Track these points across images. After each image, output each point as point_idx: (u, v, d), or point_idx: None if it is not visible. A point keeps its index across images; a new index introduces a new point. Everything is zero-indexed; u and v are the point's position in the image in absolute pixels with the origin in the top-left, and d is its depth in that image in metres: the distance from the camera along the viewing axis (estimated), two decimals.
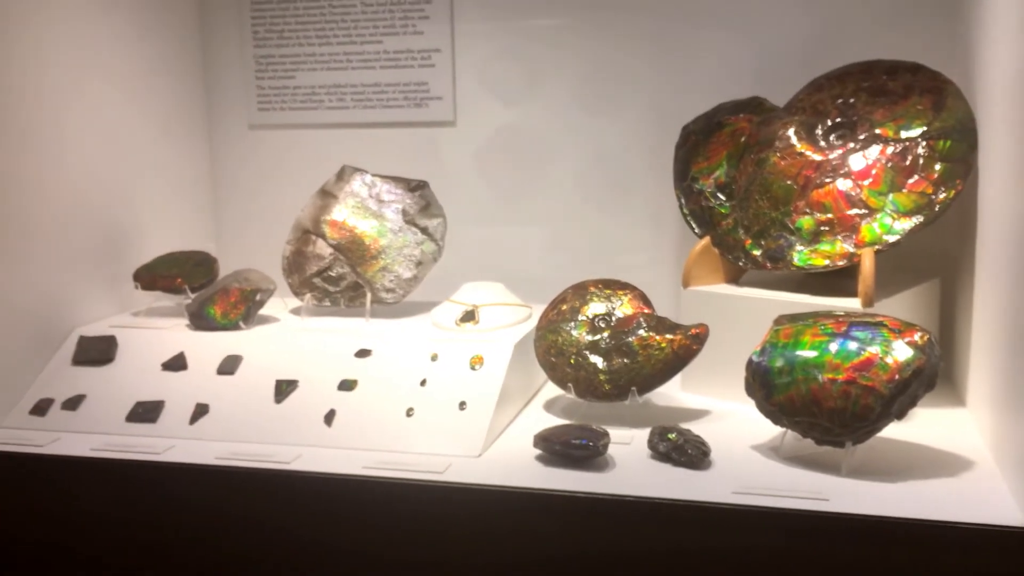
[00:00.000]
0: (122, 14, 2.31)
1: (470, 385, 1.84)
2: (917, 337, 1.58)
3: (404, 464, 1.65)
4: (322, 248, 2.22)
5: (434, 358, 1.90)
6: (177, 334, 2.07)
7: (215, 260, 2.28)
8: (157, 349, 2.03)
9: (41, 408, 1.93)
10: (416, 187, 2.24)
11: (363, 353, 1.94)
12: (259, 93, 2.57)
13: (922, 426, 1.81)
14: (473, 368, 1.87)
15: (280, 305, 2.28)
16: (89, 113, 2.20)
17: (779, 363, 1.65)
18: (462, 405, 1.80)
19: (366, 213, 2.22)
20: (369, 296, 2.16)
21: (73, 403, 1.93)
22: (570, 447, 1.64)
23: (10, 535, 1.77)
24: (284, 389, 1.88)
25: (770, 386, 1.64)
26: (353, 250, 2.19)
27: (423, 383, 1.86)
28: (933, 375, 1.58)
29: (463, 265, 2.36)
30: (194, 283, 2.21)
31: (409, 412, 1.81)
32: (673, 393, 2.03)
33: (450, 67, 2.44)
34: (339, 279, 2.20)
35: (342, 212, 2.23)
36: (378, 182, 2.26)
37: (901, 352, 1.56)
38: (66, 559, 1.76)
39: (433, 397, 1.83)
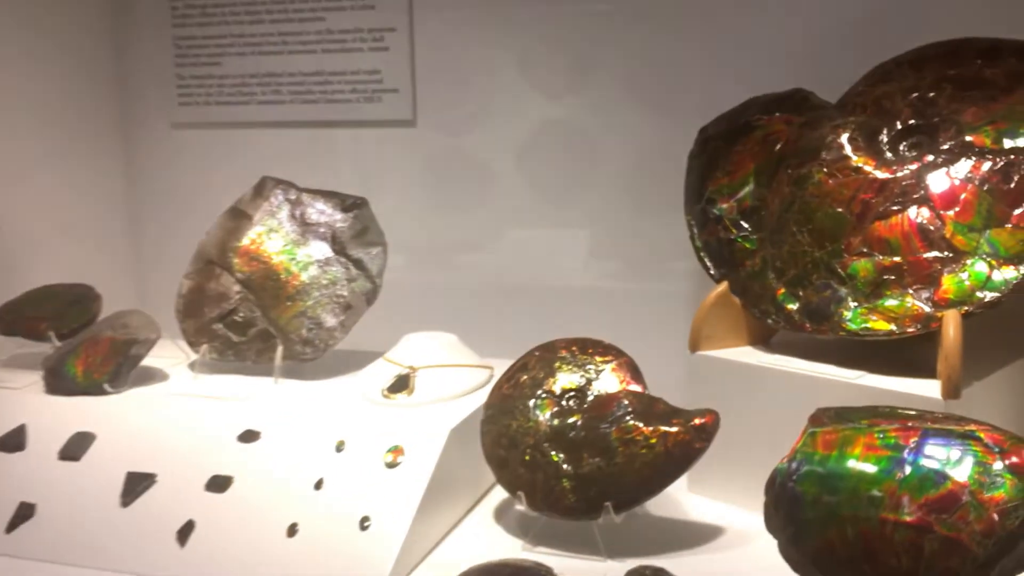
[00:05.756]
0: None
1: (381, 491, 1.33)
2: None
3: None
4: (228, 284, 1.72)
5: (340, 447, 1.40)
6: (25, 398, 1.60)
7: (97, 297, 1.79)
8: None
9: None
10: (352, 206, 1.74)
11: (249, 436, 1.44)
12: (179, 83, 2.09)
13: None
14: (390, 466, 1.36)
15: (182, 358, 1.79)
16: None
17: (814, 487, 1.11)
18: (364, 522, 1.29)
19: (285, 239, 1.73)
20: (280, 350, 1.66)
21: None
22: None
23: None
24: (136, 487, 1.40)
25: (799, 522, 1.11)
26: (265, 287, 1.70)
27: (318, 485, 1.35)
28: None
29: (419, 303, 1.89)
30: (64, 328, 1.73)
31: (292, 529, 1.31)
32: (678, 496, 1.51)
33: (408, 51, 1.92)
34: (247, 325, 1.70)
35: (255, 237, 1.74)
36: (305, 198, 1.76)
37: (1005, 486, 1.02)
38: None
39: (329, 508, 1.33)
